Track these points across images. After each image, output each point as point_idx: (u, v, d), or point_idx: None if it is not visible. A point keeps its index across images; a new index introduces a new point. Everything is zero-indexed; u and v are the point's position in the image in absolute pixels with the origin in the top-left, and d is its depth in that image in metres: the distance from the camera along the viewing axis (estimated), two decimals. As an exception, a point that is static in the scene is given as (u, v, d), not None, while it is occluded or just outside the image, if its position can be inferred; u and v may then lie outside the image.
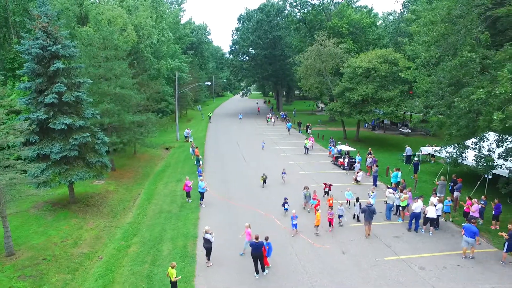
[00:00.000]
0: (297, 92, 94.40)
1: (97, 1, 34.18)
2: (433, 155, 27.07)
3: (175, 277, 10.99)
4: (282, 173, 21.89)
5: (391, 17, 72.30)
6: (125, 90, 23.99)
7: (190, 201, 19.43)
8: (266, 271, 12.33)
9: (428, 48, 15.16)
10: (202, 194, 18.67)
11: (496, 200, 15.86)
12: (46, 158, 16.90)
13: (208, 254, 12.99)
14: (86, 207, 19.22)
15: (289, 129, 42.33)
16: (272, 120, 49.63)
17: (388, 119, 37.84)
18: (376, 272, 12.30)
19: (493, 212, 15.82)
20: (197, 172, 22.71)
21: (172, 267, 11.10)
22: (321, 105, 66.44)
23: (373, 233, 15.34)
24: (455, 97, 15.07)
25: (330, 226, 15.42)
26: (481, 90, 12.11)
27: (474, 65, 13.82)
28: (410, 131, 41.88)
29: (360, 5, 54.37)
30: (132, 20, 31.23)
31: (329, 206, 16.17)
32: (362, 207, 15.59)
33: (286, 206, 17.26)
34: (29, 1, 31.46)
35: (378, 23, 66.69)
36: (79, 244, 15.60)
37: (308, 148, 30.81)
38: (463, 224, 13.81)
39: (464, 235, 13.04)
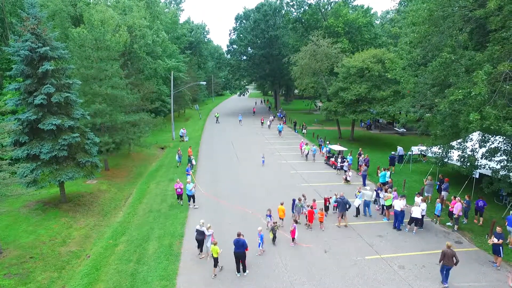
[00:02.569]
0: (296, 91, 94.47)
1: (92, 0, 34.42)
2: (424, 155, 27.19)
3: (218, 253, 12.07)
4: (273, 222, 15.20)
5: (389, 16, 72.34)
6: (117, 91, 24.23)
7: (180, 203, 19.08)
8: (247, 271, 12.49)
9: (411, 49, 15.32)
10: (190, 196, 18.39)
11: (480, 196, 16.23)
12: (35, 158, 17.17)
13: (200, 246, 13.55)
14: (77, 206, 19.48)
15: (280, 131, 40.05)
16: (268, 123, 45.90)
17: (382, 118, 37.97)
18: (355, 271, 12.49)
19: (475, 207, 16.28)
20: (186, 171, 22.89)
21: (215, 244, 12.15)
22: (319, 104, 66.53)
23: (357, 232, 15.55)
24: (438, 97, 15.22)
25: (292, 241, 14.42)
26: (460, 91, 12.25)
27: (455, 66, 13.95)
28: (405, 130, 41.95)
29: (357, 5, 54.44)
30: (125, 21, 31.46)
31: (294, 220, 15.12)
32: (336, 199, 16.27)
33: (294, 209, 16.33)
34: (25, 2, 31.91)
35: (376, 22, 66.80)
36: (68, 243, 15.85)
37: (308, 153, 28.72)
38: (507, 216, 14.59)
39: (507, 225, 14.13)
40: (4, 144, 17.32)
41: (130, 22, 31.85)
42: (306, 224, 15.86)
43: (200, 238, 13.41)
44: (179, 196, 19.06)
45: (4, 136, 14.62)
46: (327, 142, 30.95)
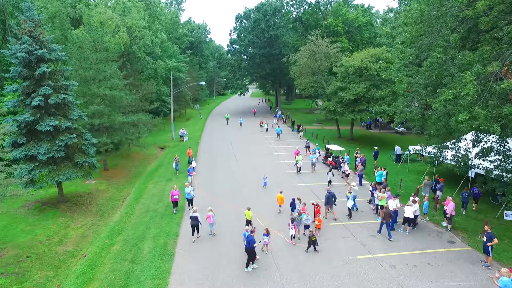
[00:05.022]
0: (297, 90, 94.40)
1: (92, 1, 34.69)
2: (422, 154, 27.17)
3: (251, 216, 14.98)
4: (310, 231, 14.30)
5: (391, 14, 72.14)
6: (115, 91, 24.44)
7: (175, 211, 18.32)
8: (250, 268, 12.72)
9: (403, 50, 15.36)
10: (189, 200, 18.14)
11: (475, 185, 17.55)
12: (33, 159, 17.39)
13: (195, 230, 15.01)
14: (75, 206, 19.71)
15: (279, 134, 38.24)
16: (266, 126, 43.76)
17: (381, 117, 37.93)
18: (346, 270, 12.59)
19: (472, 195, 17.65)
20: (187, 171, 22.94)
21: (248, 209, 15.19)
22: (320, 103, 66.36)
23: (350, 232, 15.64)
24: (431, 97, 15.26)
25: (292, 238, 14.58)
26: (450, 91, 12.29)
27: (447, 66, 13.97)
28: (405, 129, 41.88)
29: (357, 4, 54.37)
30: (124, 22, 31.69)
31: (291, 219, 14.70)
32: (325, 194, 16.93)
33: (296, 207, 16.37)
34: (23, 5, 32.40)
35: (378, 21, 66.68)
36: (64, 242, 16.07)
37: (300, 167, 24.98)
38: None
39: None
40: (4, 145, 17.62)
41: (129, 23, 32.06)
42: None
43: (194, 224, 14.82)
44: (175, 203, 18.19)
45: (1, 137, 14.86)
46: (316, 144, 30.17)
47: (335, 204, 16.91)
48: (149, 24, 37.17)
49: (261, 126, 44.72)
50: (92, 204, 20.66)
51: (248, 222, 14.76)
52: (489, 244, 12.33)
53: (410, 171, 25.44)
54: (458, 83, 12.79)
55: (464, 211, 17.41)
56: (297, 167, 24.93)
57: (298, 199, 16.70)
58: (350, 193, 17.08)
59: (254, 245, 12.43)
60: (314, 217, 15.50)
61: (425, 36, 14.73)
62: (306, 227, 15.06)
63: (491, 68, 11.30)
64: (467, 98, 11.28)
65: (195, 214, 14.75)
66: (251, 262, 12.77)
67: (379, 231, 15.40)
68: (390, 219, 14.88)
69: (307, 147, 30.82)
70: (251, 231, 12.79)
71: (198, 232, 15.15)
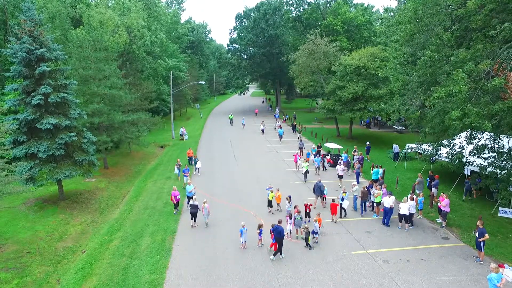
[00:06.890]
0: (297, 90, 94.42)
1: (93, 1, 34.95)
2: (420, 153, 27.30)
3: (272, 197, 17.05)
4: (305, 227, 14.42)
5: (391, 14, 72.14)
6: (115, 90, 24.69)
7: (175, 213, 18.13)
8: (283, 254, 13.31)
9: (398, 48, 15.54)
10: (189, 198, 17.86)
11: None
12: (33, 157, 17.67)
13: (194, 217, 16.21)
14: (75, 204, 19.98)
15: (281, 136, 36.24)
16: (262, 127, 41.63)
17: (380, 116, 38.03)
18: (340, 265, 12.78)
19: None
20: (183, 172, 22.89)
21: (272, 192, 17.06)
22: (320, 102, 66.34)
23: (346, 229, 15.83)
24: (426, 95, 15.42)
25: (288, 234, 14.71)
26: (443, 89, 12.44)
27: (441, 64, 14.11)
28: (404, 128, 42.01)
29: (357, 3, 54.42)
30: (124, 21, 31.95)
31: (289, 215, 14.87)
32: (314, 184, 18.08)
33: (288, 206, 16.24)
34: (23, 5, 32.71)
35: (378, 19, 66.73)
36: (64, 239, 16.33)
37: (307, 173, 22.54)
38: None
39: None
40: (5, 143, 17.90)
41: (129, 23, 32.30)
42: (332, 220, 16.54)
43: (194, 211, 16.04)
44: (177, 204, 18.09)
45: (2, 135, 15.13)
46: (313, 147, 29.99)
47: (321, 195, 17.93)
48: (149, 23, 37.38)
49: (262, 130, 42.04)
50: (92, 201, 20.91)
51: (269, 203, 17.06)
52: (480, 239, 12.51)
53: (407, 169, 25.61)
54: (451, 80, 12.96)
55: (464, 197, 19.04)
56: (304, 173, 22.51)
57: (287, 199, 16.43)
58: (345, 193, 16.97)
59: (285, 233, 13.30)
60: (331, 213, 16.43)
61: (419, 35, 14.89)
62: (315, 233, 14.42)
63: (482, 66, 11.45)
64: (459, 95, 11.44)
65: (195, 203, 16.05)
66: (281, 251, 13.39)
67: (358, 208, 17.45)
68: (367, 198, 17.20)
69: (301, 149, 29.72)
70: (279, 222, 13.38)
71: (195, 220, 16.27)
